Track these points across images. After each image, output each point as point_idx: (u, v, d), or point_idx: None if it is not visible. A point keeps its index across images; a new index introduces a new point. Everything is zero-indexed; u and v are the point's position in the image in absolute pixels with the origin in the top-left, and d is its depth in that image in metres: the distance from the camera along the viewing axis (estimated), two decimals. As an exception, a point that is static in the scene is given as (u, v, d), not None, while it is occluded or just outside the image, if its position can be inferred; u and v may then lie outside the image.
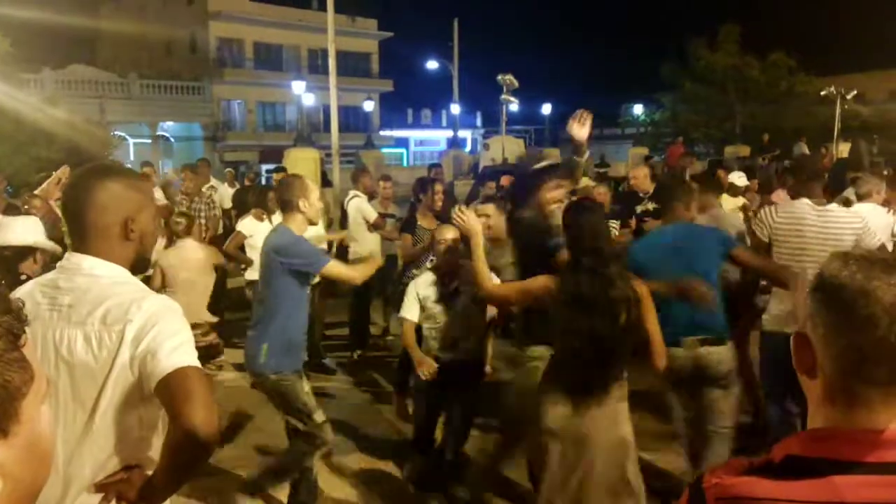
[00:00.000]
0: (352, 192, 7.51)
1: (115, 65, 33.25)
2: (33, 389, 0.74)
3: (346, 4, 30.05)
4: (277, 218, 4.44)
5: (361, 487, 4.31)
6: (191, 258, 5.49)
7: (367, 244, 7.00)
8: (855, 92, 23.29)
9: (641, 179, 7.24)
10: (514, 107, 26.07)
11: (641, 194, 7.13)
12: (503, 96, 22.15)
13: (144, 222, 1.80)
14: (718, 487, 1.02)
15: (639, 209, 6.99)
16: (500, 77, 21.56)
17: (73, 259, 1.75)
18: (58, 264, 1.81)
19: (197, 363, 1.65)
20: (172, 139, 34.66)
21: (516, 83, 21.77)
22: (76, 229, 1.77)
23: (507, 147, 22.21)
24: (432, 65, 32.72)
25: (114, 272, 1.74)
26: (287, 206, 3.68)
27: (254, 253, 5.83)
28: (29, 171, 14.24)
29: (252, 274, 6.06)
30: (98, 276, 1.72)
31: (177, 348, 1.63)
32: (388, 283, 6.88)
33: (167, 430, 1.63)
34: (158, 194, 8.63)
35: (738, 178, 7.90)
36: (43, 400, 0.77)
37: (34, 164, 14.91)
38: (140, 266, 1.99)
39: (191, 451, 1.58)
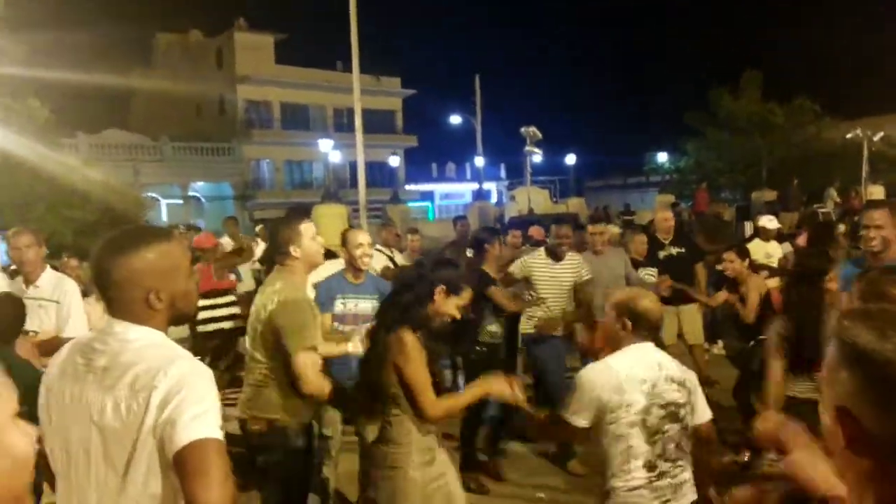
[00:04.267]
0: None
1: (147, 128, 34.32)
2: (2, 405, 0.75)
3: (371, 64, 30.81)
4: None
5: None
6: None
7: None
8: (882, 133, 23.14)
9: (662, 224, 7.18)
10: (538, 158, 26.26)
11: (663, 239, 7.08)
12: (527, 148, 22.39)
13: (172, 289, 1.76)
14: None
15: (661, 255, 6.93)
16: (523, 129, 21.83)
17: (108, 322, 1.75)
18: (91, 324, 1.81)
19: (217, 434, 1.58)
20: (204, 199, 35.37)
21: (540, 135, 22.01)
22: (105, 300, 1.76)
23: (532, 198, 22.31)
24: (455, 119, 33.17)
25: (145, 335, 1.71)
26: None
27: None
28: (64, 232, 14.60)
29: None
30: (129, 340, 1.69)
31: (197, 417, 1.56)
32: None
33: None
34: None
35: (769, 222, 7.82)
36: (13, 412, 0.78)
37: (69, 225, 15.29)
38: (182, 320, 1.97)
39: None
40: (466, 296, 3.25)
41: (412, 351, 2.94)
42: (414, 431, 2.98)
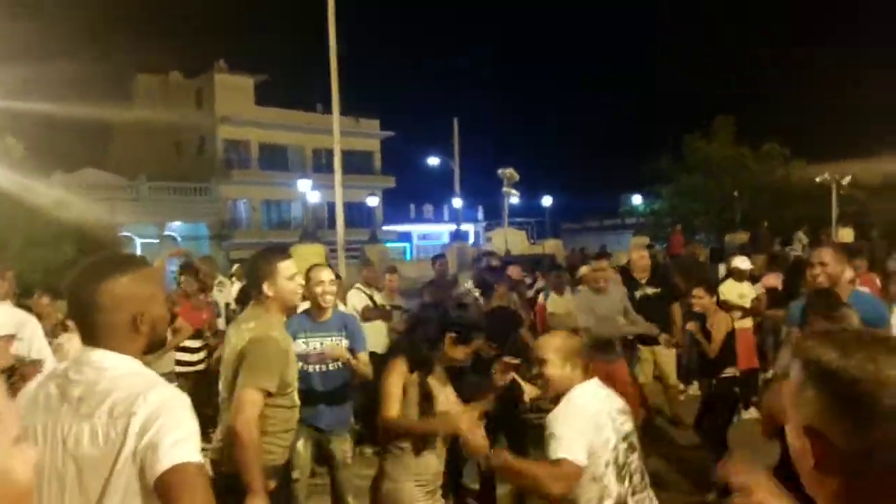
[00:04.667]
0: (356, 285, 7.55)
1: (125, 167, 34.19)
2: (3, 429, 0.75)
3: (350, 106, 31.11)
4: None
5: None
6: None
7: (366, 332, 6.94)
8: (849, 177, 23.70)
9: (639, 262, 7.27)
10: (516, 199, 26.50)
11: (639, 278, 7.15)
12: (504, 189, 22.57)
13: (154, 313, 1.79)
14: None
15: (637, 294, 6.99)
16: (500, 170, 22.05)
17: (83, 352, 1.75)
18: (70, 357, 1.81)
19: (198, 458, 1.60)
20: (179, 238, 35.11)
21: (517, 176, 22.24)
22: (83, 327, 1.76)
23: (509, 239, 22.44)
24: (433, 161, 33.47)
25: (122, 363, 1.72)
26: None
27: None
28: (34, 271, 14.38)
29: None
30: (106, 367, 1.70)
31: (177, 443, 1.58)
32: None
33: None
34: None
35: (742, 262, 7.94)
36: (16, 438, 0.78)
37: (41, 264, 15.07)
38: (155, 347, 1.97)
39: None
40: (476, 344, 3.28)
41: (393, 374, 3.06)
42: (412, 468, 3.03)
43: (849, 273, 4.27)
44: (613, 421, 2.67)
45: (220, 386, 3.26)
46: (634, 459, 2.71)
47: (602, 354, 5.73)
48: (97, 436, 1.61)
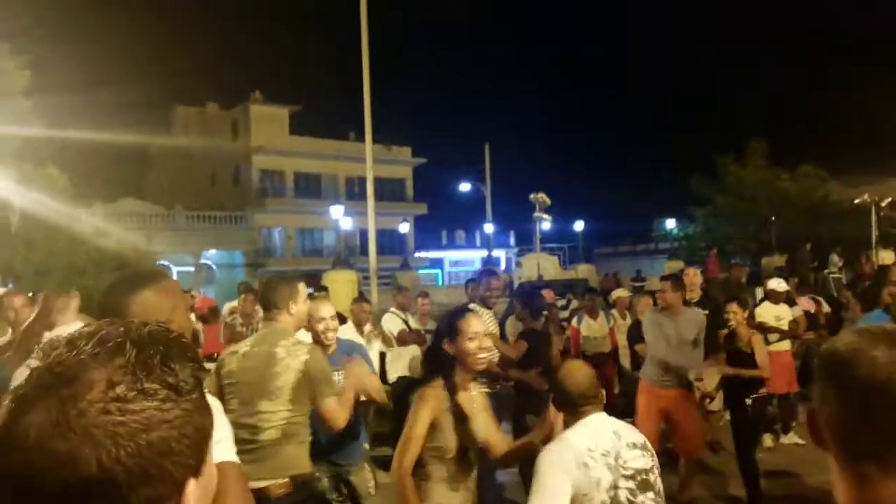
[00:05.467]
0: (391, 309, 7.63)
1: (162, 197, 34.92)
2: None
3: (382, 135, 31.50)
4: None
5: None
6: None
7: (402, 355, 6.97)
8: (890, 199, 23.27)
9: (693, 279, 6.79)
10: (548, 224, 26.45)
11: (689, 298, 6.76)
12: (536, 214, 22.56)
13: (178, 323, 1.92)
14: None
15: None
16: (532, 196, 22.08)
17: None
18: None
19: (235, 459, 1.68)
20: (215, 267, 35.67)
21: (549, 201, 22.24)
22: None
23: (541, 264, 22.38)
24: (465, 187, 33.63)
25: None
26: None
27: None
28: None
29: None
30: None
31: (218, 442, 1.63)
32: None
33: None
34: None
35: (778, 285, 7.82)
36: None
37: (82, 292, 15.42)
38: None
39: None
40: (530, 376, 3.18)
41: (423, 408, 2.89)
42: (435, 497, 2.86)
43: None
44: (615, 458, 2.54)
45: (257, 400, 3.16)
46: (648, 498, 2.55)
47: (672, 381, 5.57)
48: None
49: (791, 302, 7.96)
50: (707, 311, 6.47)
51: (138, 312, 1.83)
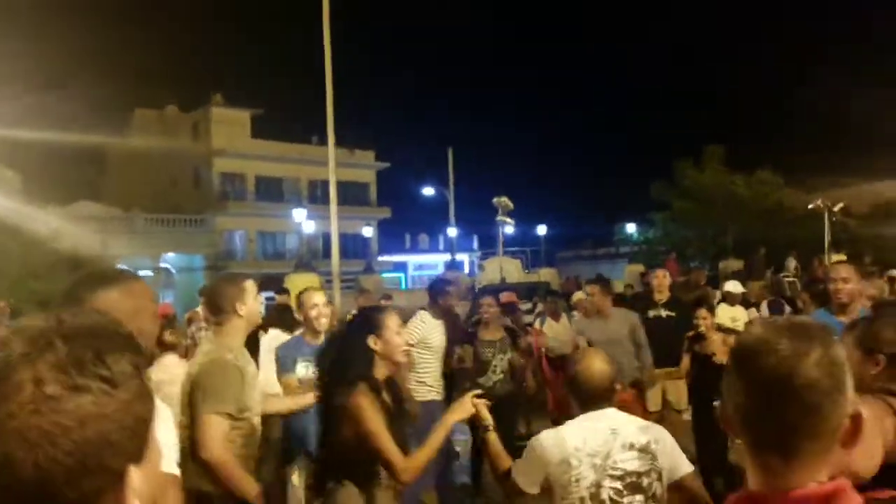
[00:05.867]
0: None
1: (120, 199, 34.26)
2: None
3: (345, 138, 31.35)
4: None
5: None
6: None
7: None
8: (841, 204, 23.93)
9: (662, 281, 6.91)
10: (511, 228, 26.62)
11: (657, 299, 6.86)
12: (499, 217, 22.71)
13: (139, 326, 1.78)
14: None
15: (651, 314, 6.79)
16: (495, 199, 22.21)
17: None
18: None
19: (175, 470, 1.65)
20: (174, 270, 35.08)
21: (511, 205, 22.40)
22: None
23: (504, 267, 22.52)
24: (428, 191, 33.68)
25: None
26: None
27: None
28: (29, 304, 14.36)
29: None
30: None
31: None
32: None
33: None
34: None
35: (734, 287, 8.00)
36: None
37: (34, 297, 15.07)
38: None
39: None
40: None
41: (366, 406, 2.76)
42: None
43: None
44: (604, 458, 2.54)
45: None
46: (636, 501, 2.52)
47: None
48: None
49: (747, 304, 8.14)
50: (674, 314, 6.67)
51: (101, 308, 1.77)
